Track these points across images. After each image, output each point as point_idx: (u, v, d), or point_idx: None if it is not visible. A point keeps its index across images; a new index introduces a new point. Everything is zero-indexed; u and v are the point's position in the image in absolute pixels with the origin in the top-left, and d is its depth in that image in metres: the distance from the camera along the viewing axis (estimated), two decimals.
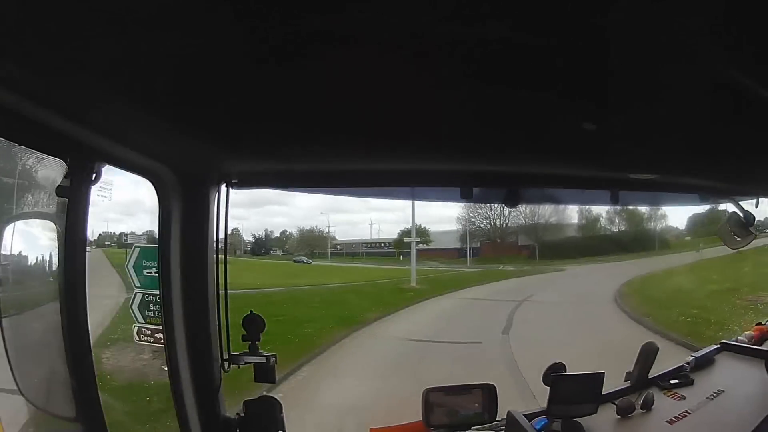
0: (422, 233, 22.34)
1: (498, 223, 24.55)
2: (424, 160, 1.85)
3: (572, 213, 23.14)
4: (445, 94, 1.42)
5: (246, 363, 1.93)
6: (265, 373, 1.95)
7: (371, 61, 1.24)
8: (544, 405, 2.13)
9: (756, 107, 1.79)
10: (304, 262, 24.79)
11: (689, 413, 2.25)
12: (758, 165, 2.35)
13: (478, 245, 24.81)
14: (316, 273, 22.09)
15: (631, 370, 2.42)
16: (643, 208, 22.88)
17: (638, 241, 22.87)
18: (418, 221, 21.56)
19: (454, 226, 24.92)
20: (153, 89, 1.19)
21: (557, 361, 2.09)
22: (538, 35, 1.19)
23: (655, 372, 2.47)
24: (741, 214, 2.58)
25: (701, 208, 21.73)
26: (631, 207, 22.33)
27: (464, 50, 1.24)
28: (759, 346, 2.68)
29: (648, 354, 2.32)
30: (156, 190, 1.69)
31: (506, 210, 22.49)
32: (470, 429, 2.06)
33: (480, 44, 1.23)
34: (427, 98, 1.44)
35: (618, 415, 2.19)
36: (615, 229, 23.88)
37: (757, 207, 2.66)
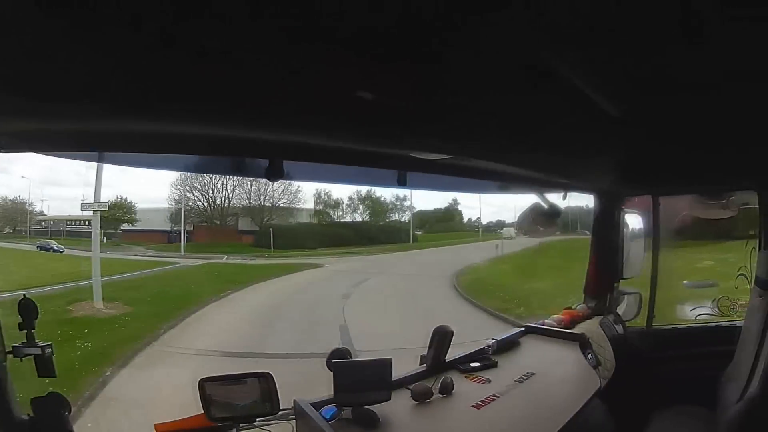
0: (126, 209, 18.10)
1: (219, 201, 19.95)
2: (186, 125, 1.69)
3: (307, 195, 20.52)
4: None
5: (26, 355, 1.83)
6: (44, 367, 1.86)
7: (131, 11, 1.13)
8: None
9: (576, 103, 1.84)
10: (53, 250, 16.97)
11: (497, 396, 2.28)
12: (570, 159, 2.42)
13: (192, 228, 19.99)
14: None
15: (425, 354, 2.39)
16: (388, 199, 21.68)
17: (385, 232, 21.16)
18: (128, 198, 17.67)
19: (166, 204, 19.76)
20: None
21: (340, 346, 2.06)
22: None
23: (453, 356, 2.46)
24: (546, 205, 2.70)
25: (434, 205, 23.52)
26: (376, 195, 21.59)
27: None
28: (569, 329, 2.78)
29: (442, 336, 2.37)
30: None
31: (230, 186, 19.30)
32: (255, 420, 1.97)
33: None
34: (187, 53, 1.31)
35: (414, 400, 2.19)
36: (358, 218, 21.71)
37: (564, 199, 2.79)
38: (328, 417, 2.03)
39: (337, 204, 20.86)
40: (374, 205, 21.19)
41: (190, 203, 19.63)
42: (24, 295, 1.83)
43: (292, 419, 2.07)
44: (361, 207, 21.10)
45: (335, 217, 21.06)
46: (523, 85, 1.68)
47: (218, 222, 20.15)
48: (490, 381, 2.40)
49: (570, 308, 3.09)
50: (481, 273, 15.26)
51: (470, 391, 2.31)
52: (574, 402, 2.30)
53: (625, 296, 3.18)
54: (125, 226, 18.32)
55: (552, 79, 1.64)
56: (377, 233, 20.68)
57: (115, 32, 1.18)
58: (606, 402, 2.60)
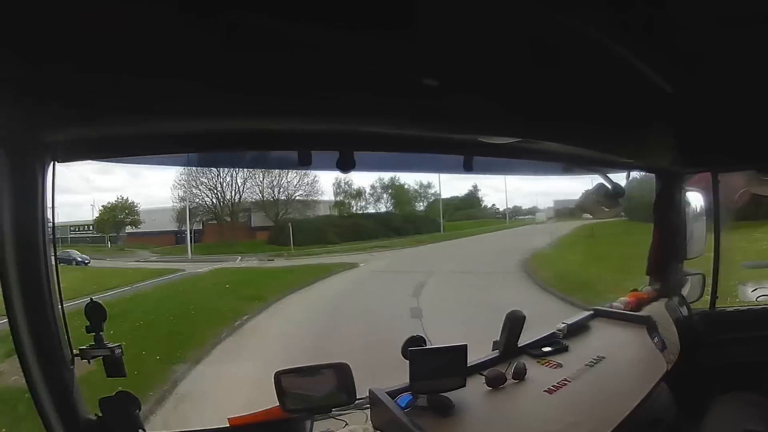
0: (129, 210, 16.53)
1: (229, 196, 17.71)
2: (259, 120, 1.75)
3: (325, 185, 18.51)
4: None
5: (94, 357, 1.84)
6: (114, 367, 1.88)
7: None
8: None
9: (633, 82, 1.80)
10: (77, 262, 13.81)
11: (569, 381, 2.27)
12: (628, 136, 2.38)
13: (202, 227, 17.77)
14: None
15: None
16: (412, 186, 19.65)
17: (411, 222, 19.12)
18: (129, 198, 16.16)
19: (172, 204, 17.30)
20: None
21: (415, 335, 2.00)
22: None
23: (524, 341, 2.42)
24: (609, 186, 2.63)
25: (451, 192, 21.44)
26: (398, 183, 19.42)
27: None
28: (636, 312, 2.69)
29: (514, 322, 2.33)
30: None
31: (240, 179, 17.28)
32: (331, 411, 1.93)
33: None
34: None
35: (488, 386, 2.20)
36: (382, 207, 19.29)
37: (628, 179, 2.73)
38: (403, 405, 2.03)
39: (358, 193, 18.79)
40: (398, 194, 19.32)
41: (197, 199, 17.36)
42: (91, 298, 1.85)
43: (367, 408, 2.03)
44: (385, 196, 19.23)
45: (357, 208, 19.12)
46: (581, 64, 1.66)
47: (229, 219, 17.92)
48: (561, 365, 2.40)
49: (636, 290, 3.00)
50: (556, 264, 12.21)
51: (543, 376, 2.30)
52: (641, 387, 2.27)
53: (689, 278, 3.07)
54: (129, 229, 16.81)
55: (608, 57, 1.62)
56: (403, 223, 18.98)
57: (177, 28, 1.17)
58: (671, 386, 2.52)
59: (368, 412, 2.04)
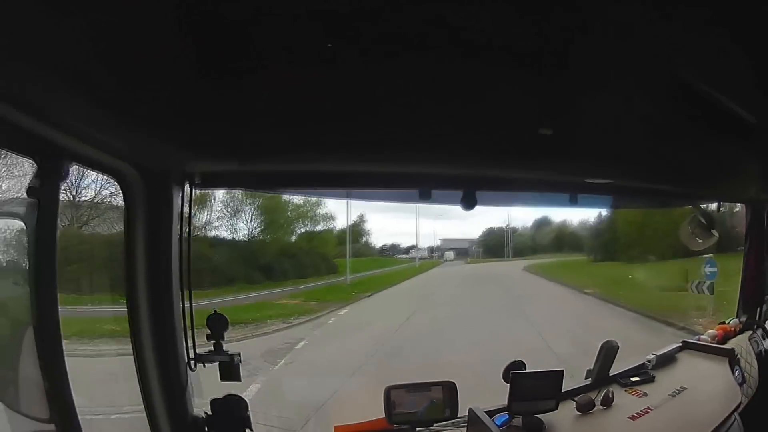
0: None
1: None
2: (384, 163, 2.09)
3: None
4: (405, 100, 1.50)
5: (212, 362, 2.11)
6: (229, 372, 2.15)
7: (321, 66, 1.33)
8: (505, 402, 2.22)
9: (717, 116, 1.90)
10: None
11: (651, 409, 2.53)
12: (719, 171, 2.44)
13: None
14: None
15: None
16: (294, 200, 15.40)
17: (292, 258, 13.20)
18: None
19: None
20: (117, 89, 1.37)
21: (517, 359, 2.15)
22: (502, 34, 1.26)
23: (616, 369, 2.58)
24: (702, 218, 2.69)
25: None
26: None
27: (419, 47, 1.32)
28: (722, 345, 2.76)
29: (608, 351, 2.54)
30: (121, 189, 1.89)
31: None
32: (432, 426, 2.11)
33: (442, 46, 1.31)
34: (386, 101, 1.52)
35: (578, 411, 2.49)
36: (243, 228, 12.95)
37: (719, 211, 2.77)
38: (499, 424, 2.18)
39: (202, 200, 11.49)
40: (274, 209, 12.89)
41: None
42: (214, 310, 2.11)
43: (463, 427, 2.20)
44: (250, 210, 12.51)
45: (200, 225, 11.69)
46: (668, 101, 1.75)
47: None
48: (647, 394, 2.68)
49: (724, 323, 3.07)
50: None
51: (629, 404, 2.57)
52: (715, 418, 2.48)
53: None
54: None
55: (692, 91, 1.70)
56: (279, 260, 12.20)
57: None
58: (744, 420, 2.59)
59: (464, 430, 2.22)
